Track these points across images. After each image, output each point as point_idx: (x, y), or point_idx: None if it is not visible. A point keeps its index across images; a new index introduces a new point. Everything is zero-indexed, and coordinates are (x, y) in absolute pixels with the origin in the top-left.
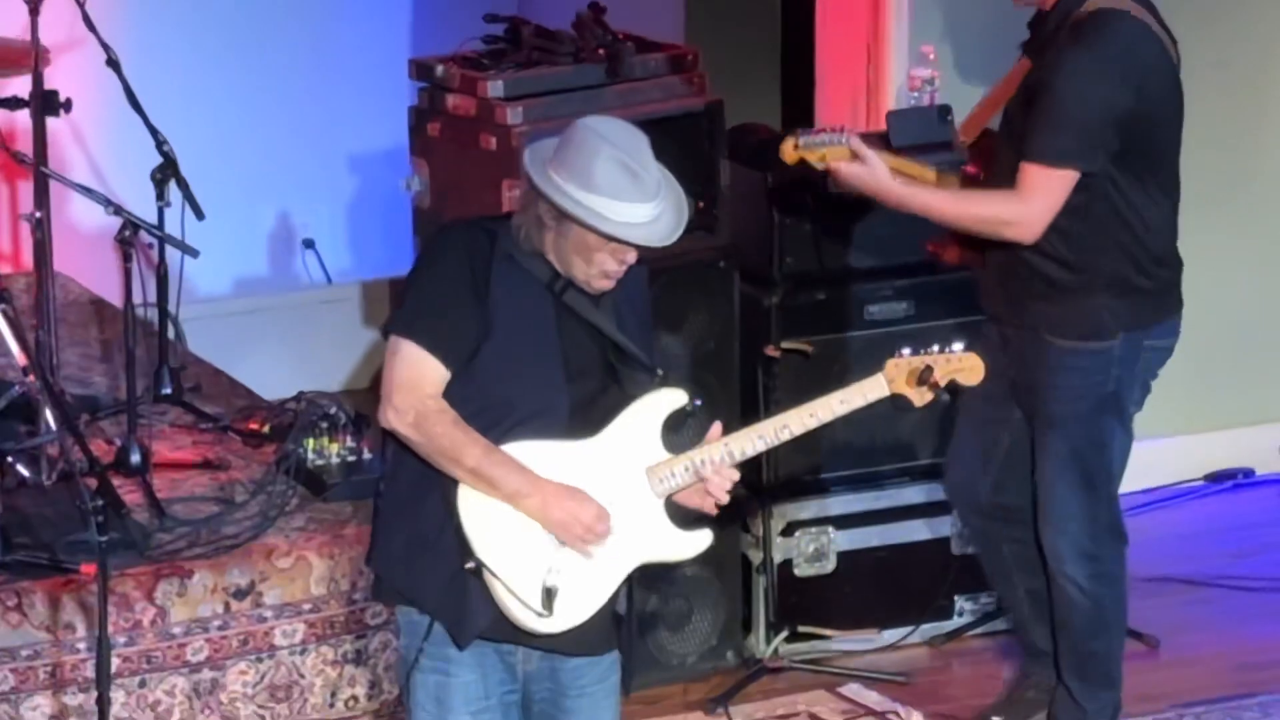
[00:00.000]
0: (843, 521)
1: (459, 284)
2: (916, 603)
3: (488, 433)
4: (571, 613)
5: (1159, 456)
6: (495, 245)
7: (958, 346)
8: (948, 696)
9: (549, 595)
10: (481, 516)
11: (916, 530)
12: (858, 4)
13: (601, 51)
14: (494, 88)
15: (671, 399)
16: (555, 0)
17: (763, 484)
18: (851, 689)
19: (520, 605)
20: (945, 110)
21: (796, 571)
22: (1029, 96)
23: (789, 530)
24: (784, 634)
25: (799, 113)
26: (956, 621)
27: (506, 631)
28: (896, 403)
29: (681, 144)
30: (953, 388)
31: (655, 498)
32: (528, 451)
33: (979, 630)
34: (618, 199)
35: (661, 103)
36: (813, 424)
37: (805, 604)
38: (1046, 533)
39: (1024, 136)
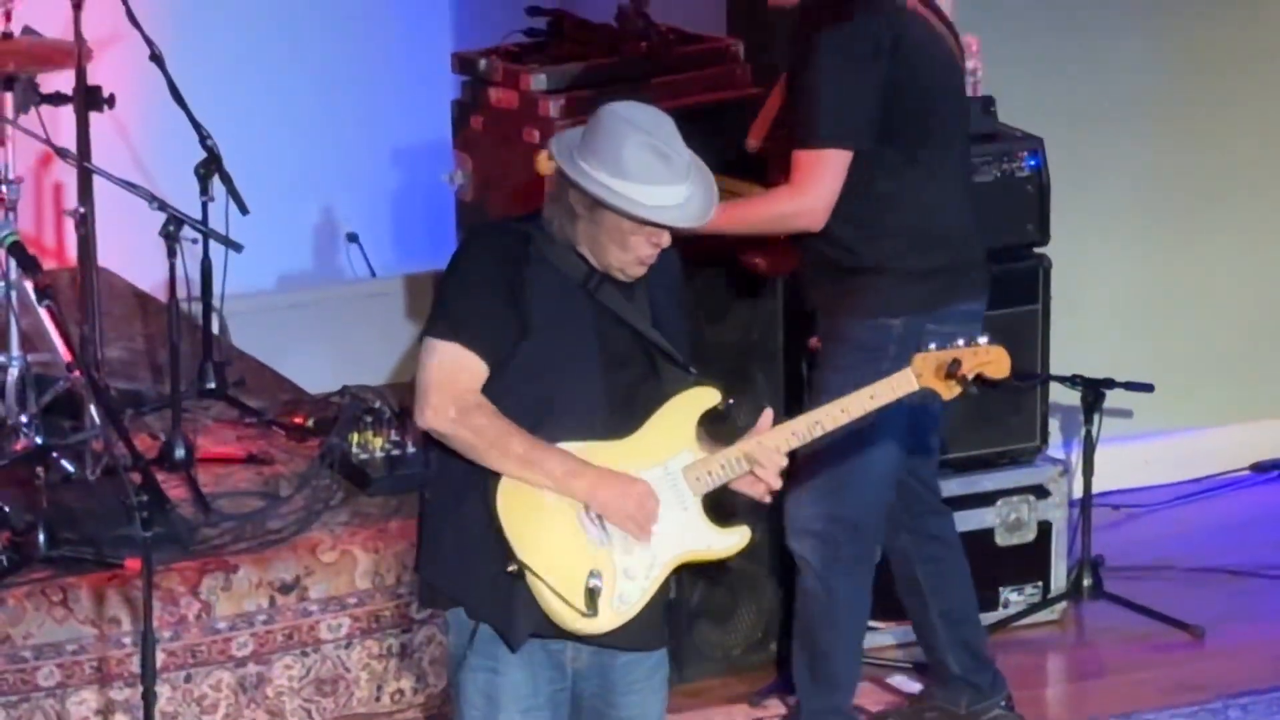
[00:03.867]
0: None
1: (492, 286)
2: None
3: (531, 432)
4: (615, 612)
5: (1203, 447)
6: (528, 247)
7: (983, 340)
8: None
9: (592, 595)
10: (521, 518)
11: (961, 521)
12: None
13: (644, 44)
14: (536, 81)
15: (705, 397)
16: None
17: None
18: (897, 680)
19: (565, 606)
20: (988, 101)
21: None
22: (791, 85)
23: None
24: None
25: None
26: (1002, 613)
27: (556, 629)
28: (925, 396)
29: (724, 136)
30: (980, 380)
31: (693, 496)
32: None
33: (1024, 622)
34: (649, 183)
35: (704, 95)
36: (844, 419)
37: None
38: (786, 499)
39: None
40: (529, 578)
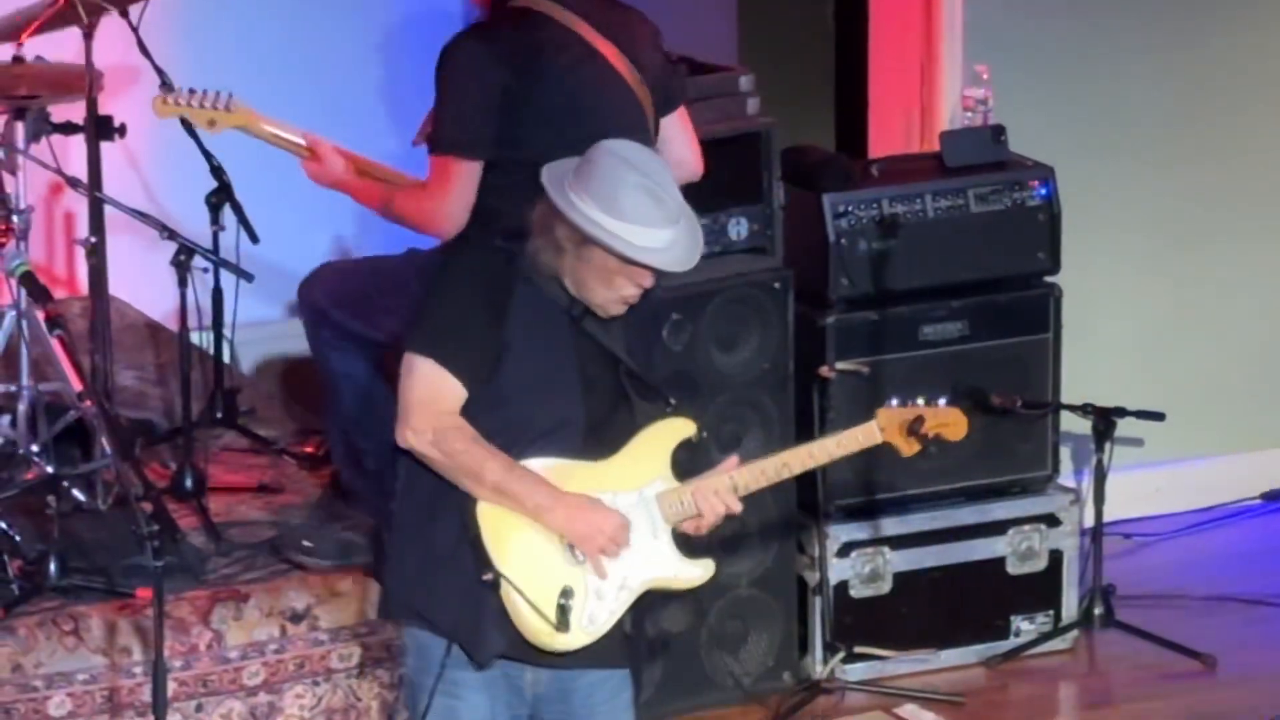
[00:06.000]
0: (898, 542)
1: (476, 306)
2: (973, 623)
3: (505, 452)
4: (584, 631)
5: (1215, 475)
6: (513, 267)
7: (942, 401)
8: (1004, 717)
9: (563, 611)
10: (500, 529)
11: (972, 550)
12: (911, 24)
13: None
14: None
15: (682, 428)
16: None
17: (818, 505)
18: (908, 709)
19: (537, 619)
20: (999, 130)
21: (852, 592)
22: None
23: (844, 551)
24: (840, 655)
25: (853, 133)
26: (1013, 641)
27: (519, 651)
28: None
29: (735, 166)
30: (937, 440)
31: (665, 524)
32: (546, 469)
33: (1035, 650)
34: (642, 224)
35: (715, 124)
36: (811, 464)
37: (861, 625)
38: None
39: None
40: (504, 588)
